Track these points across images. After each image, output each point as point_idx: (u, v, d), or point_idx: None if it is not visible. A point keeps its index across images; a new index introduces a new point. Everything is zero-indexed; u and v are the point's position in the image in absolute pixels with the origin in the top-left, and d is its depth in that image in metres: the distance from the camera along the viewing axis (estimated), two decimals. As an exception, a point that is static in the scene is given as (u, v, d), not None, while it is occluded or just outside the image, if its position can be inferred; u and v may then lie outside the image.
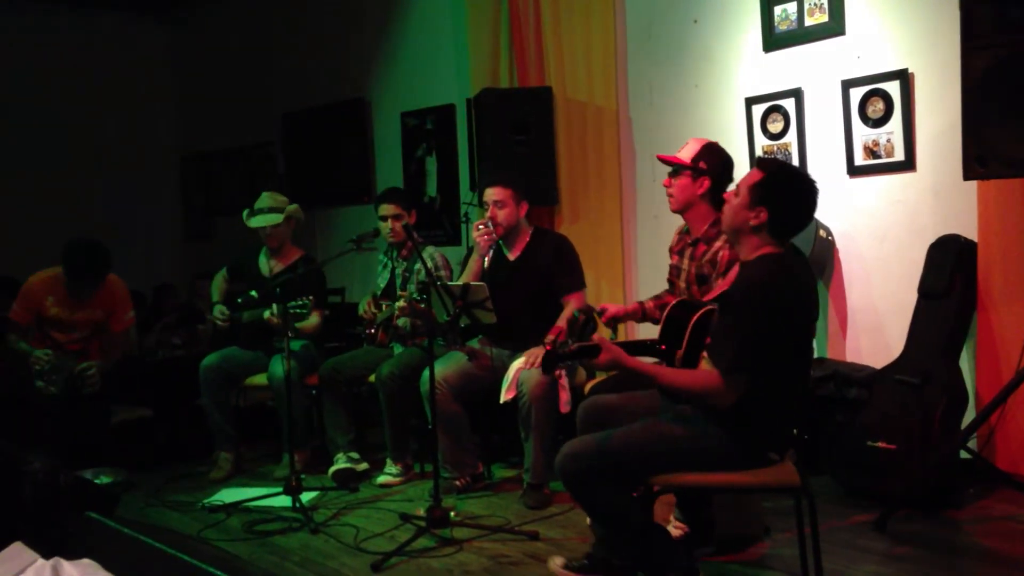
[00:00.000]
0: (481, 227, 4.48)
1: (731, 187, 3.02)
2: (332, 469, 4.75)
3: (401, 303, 4.60)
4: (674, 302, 3.18)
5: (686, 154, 3.67)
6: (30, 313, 4.90)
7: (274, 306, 4.60)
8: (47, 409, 4.74)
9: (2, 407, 4.74)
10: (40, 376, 4.77)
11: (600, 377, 4.33)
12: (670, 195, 3.70)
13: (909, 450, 3.84)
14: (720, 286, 3.43)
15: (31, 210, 7.92)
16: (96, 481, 4.50)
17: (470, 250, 4.89)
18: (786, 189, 2.86)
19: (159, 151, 8.98)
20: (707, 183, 3.62)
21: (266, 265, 5.16)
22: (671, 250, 3.87)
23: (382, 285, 5.07)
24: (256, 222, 5.05)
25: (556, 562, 3.30)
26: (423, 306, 4.28)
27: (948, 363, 4.01)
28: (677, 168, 3.67)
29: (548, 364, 2.93)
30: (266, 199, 5.12)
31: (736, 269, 3.27)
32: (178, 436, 5.48)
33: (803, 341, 2.86)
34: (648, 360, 3.03)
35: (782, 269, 2.80)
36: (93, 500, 3.35)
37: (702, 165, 3.62)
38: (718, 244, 3.58)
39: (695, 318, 2.94)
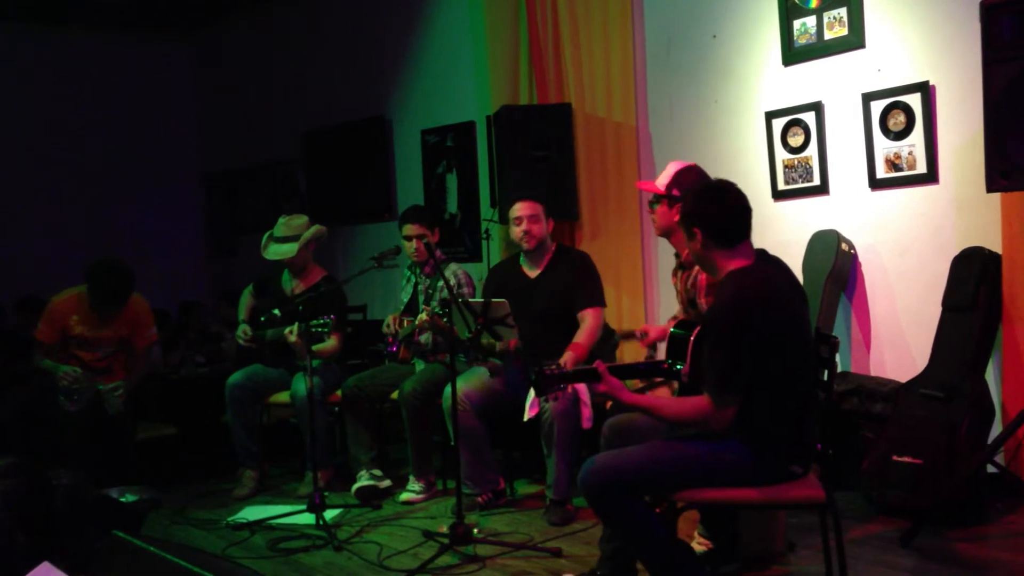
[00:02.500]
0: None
1: None
2: (355, 487, 4.76)
3: (423, 316, 4.60)
4: (675, 322, 3.22)
5: (661, 181, 3.65)
6: (55, 332, 4.95)
7: (295, 325, 4.63)
8: (72, 427, 4.78)
9: (29, 425, 4.79)
10: (63, 392, 4.81)
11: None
12: (653, 220, 3.72)
13: (935, 465, 3.81)
14: (704, 306, 3.48)
15: (57, 229, 8.02)
16: (121, 500, 4.52)
17: (493, 267, 4.90)
18: (700, 204, 2.94)
19: (183, 169, 9.07)
20: None
21: (289, 284, 5.19)
22: (672, 272, 3.89)
23: (405, 300, 5.09)
24: (271, 255, 5.05)
25: None
26: (445, 321, 4.29)
27: (974, 376, 3.97)
28: (656, 195, 3.67)
29: (541, 386, 2.95)
30: (281, 227, 5.08)
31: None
32: (202, 454, 5.51)
33: (797, 347, 2.84)
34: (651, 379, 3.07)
35: (747, 283, 2.83)
36: (118, 518, 3.37)
37: (675, 192, 3.59)
38: (696, 269, 3.57)
39: (694, 335, 2.98)
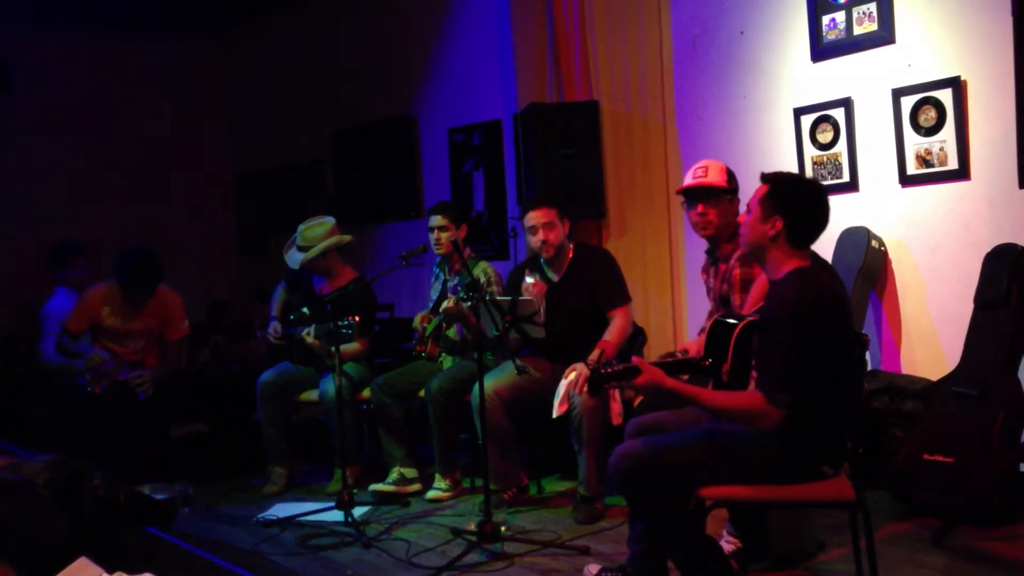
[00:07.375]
0: (531, 287, 4.45)
1: (742, 209, 3.04)
2: (373, 487, 4.76)
3: (448, 304, 4.59)
4: (712, 321, 3.20)
5: (716, 178, 3.66)
6: (85, 322, 4.97)
7: (312, 328, 4.65)
8: (103, 422, 4.81)
9: (65, 424, 4.83)
10: (89, 372, 4.80)
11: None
12: (709, 222, 3.67)
13: (967, 464, 3.77)
14: (737, 302, 3.45)
15: (88, 230, 8.08)
16: (154, 496, 4.57)
17: (517, 265, 4.91)
18: (795, 194, 2.87)
19: (213, 170, 9.13)
20: (737, 203, 3.63)
21: (318, 286, 5.21)
22: (703, 269, 3.88)
23: (434, 298, 5.10)
24: (287, 260, 5.10)
25: (591, 569, 3.38)
26: (468, 304, 4.24)
27: (1006, 375, 3.92)
28: (715, 193, 3.65)
29: (594, 386, 2.94)
30: (300, 235, 5.09)
31: (755, 287, 3.30)
32: (233, 451, 5.56)
33: (846, 352, 2.83)
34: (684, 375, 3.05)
35: (812, 283, 2.79)
36: (151, 515, 3.41)
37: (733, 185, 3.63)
38: (731, 263, 3.56)
39: (737, 331, 2.94)
